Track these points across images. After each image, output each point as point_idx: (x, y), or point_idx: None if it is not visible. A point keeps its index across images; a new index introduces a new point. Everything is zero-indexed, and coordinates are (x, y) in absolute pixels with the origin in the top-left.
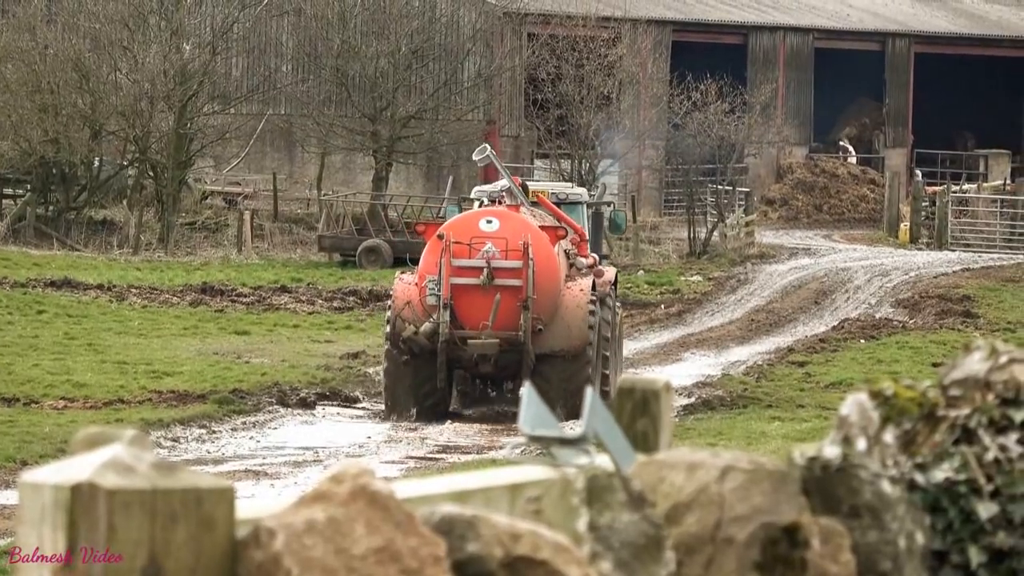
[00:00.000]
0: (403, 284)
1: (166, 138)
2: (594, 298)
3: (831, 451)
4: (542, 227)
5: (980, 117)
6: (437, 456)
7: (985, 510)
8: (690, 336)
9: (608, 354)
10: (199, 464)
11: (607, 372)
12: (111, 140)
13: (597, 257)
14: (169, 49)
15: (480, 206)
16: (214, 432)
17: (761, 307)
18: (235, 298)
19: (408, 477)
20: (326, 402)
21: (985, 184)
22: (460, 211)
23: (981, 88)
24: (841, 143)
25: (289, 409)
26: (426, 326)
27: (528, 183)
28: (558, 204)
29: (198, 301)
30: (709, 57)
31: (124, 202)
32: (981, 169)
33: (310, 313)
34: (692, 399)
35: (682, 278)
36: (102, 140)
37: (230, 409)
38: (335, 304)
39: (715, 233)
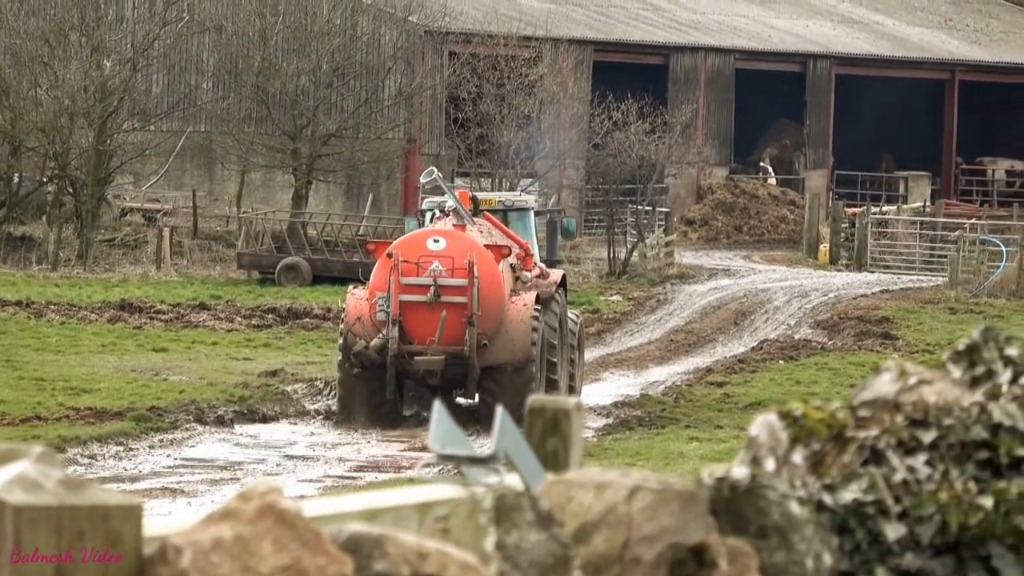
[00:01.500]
0: (355, 300)
1: (86, 154)
2: (538, 311)
3: (740, 472)
4: (487, 246)
5: (901, 139)
6: (354, 475)
7: (893, 531)
8: (609, 356)
9: (556, 360)
10: (116, 482)
11: (555, 378)
12: (30, 156)
13: (544, 268)
14: (90, 65)
15: (432, 217)
16: (131, 450)
17: (680, 327)
18: (153, 315)
19: (322, 496)
20: (244, 420)
21: (905, 206)
22: (420, 225)
23: (902, 110)
24: (762, 164)
25: (207, 427)
26: (376, 341)
27: (477, 193)
28: (506, 211)
29: (116, 318)
30: (630, 77)
31: (43, 218)
32: (901, 191)
33: (229, 331)
34: (610, 419)
35: (601, 298)
36: (21, 156)
37: (147, 426)
38: (254, 322)
39: (635, 253)
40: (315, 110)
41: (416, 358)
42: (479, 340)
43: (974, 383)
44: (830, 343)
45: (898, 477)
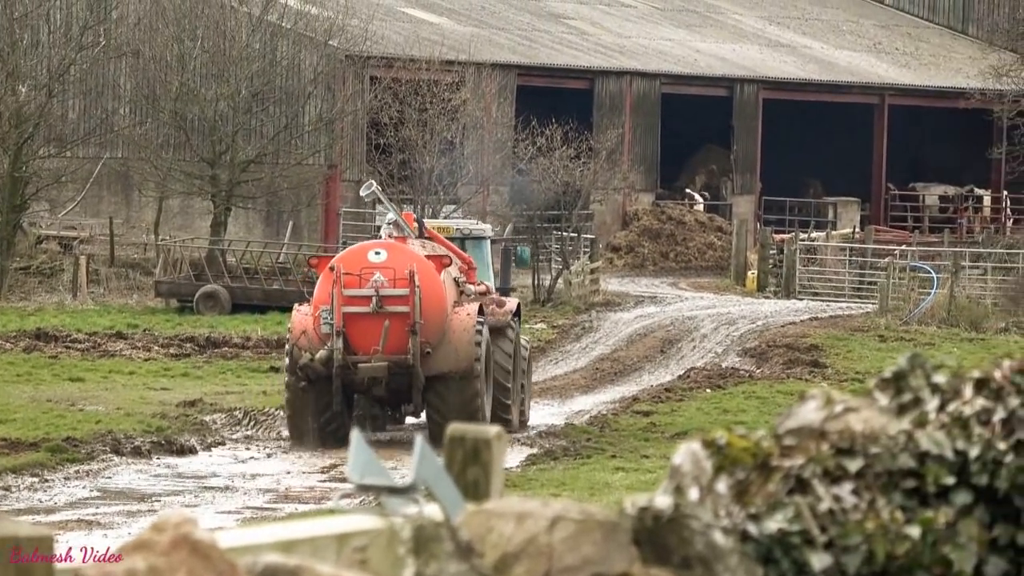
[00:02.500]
0: (300, 315)
1: (1, 181)
2: (481, 321)
3: (663, 501)
4: (428, 256)
5: (829, 164)
6: (274, 506)
7: (819, 561)
8: (533, 385)
9: (508, 384)
10: (30, 513)
11: (507, 402)
12: None
13: (491, 285)
14: (4, 91)
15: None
16: (47, 481)
17: (606, 355)
18: (70, 344)
19: (239, 527)
20: (162, 451)
21: (834, 232)
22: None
23: (830, 135)
24: (688, 191)
25: (123, 457)
26: (321, 353)
27: (426, 220)
28: (463, 239)
29: (32, 347)
30: (555, 102)
31: None
32: (830, 217)
33: (146, 360)
34: (535, 449)
35: (526, 326)
36: None
37: (63, 457)
38: (172, 351)
39: (559, 280)
40: (234, 135)
41: (360, 365)
42: (422, 348)
43: (901, 411)
44: (758, 371)
45: (824, 506)
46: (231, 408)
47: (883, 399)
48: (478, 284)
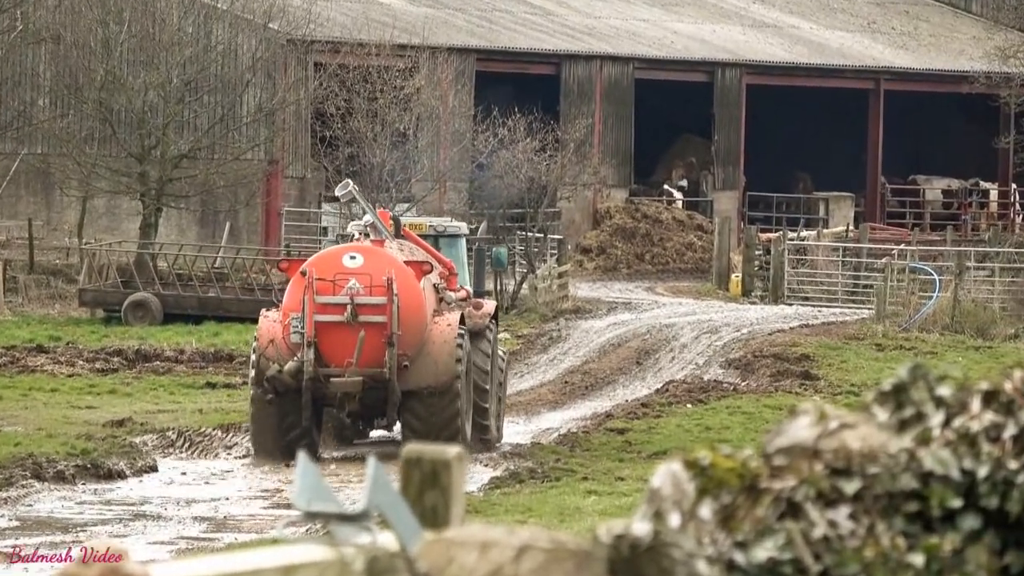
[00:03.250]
0: (267, 322)
1: None
2: (462, 332)
3: (641, 528)
4: (407, 262)
5: (820, 156)
6: (212, 536)
7: None
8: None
9: (487, 387)
10: None
11: (485, 406)
12: None
13: (470, 290)
14: None
15: (353, 241)
16: None
17: (576, 368)
18: None
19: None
20: (87, 476)
21: (825, 230)
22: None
23: (821, 124)
24: (665, 186)
25: (45, 483)
26: (290, 364)
27: (402, 217)
28: (437, 236)
29: None
30: (518, 89)
31: None
32: (821, 214)
33: (70, 376)
34: (499, 471)
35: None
36: None
37: None
38: (98, 366)
39: (524, 286)
40: (165, 128)
41: (333, 380)
42: (400, 362)
43: (902, 427)
44: (743, 384)
45: (818, 532)
46: (163, 428)
47: (882, 414)
48: (458, 290)
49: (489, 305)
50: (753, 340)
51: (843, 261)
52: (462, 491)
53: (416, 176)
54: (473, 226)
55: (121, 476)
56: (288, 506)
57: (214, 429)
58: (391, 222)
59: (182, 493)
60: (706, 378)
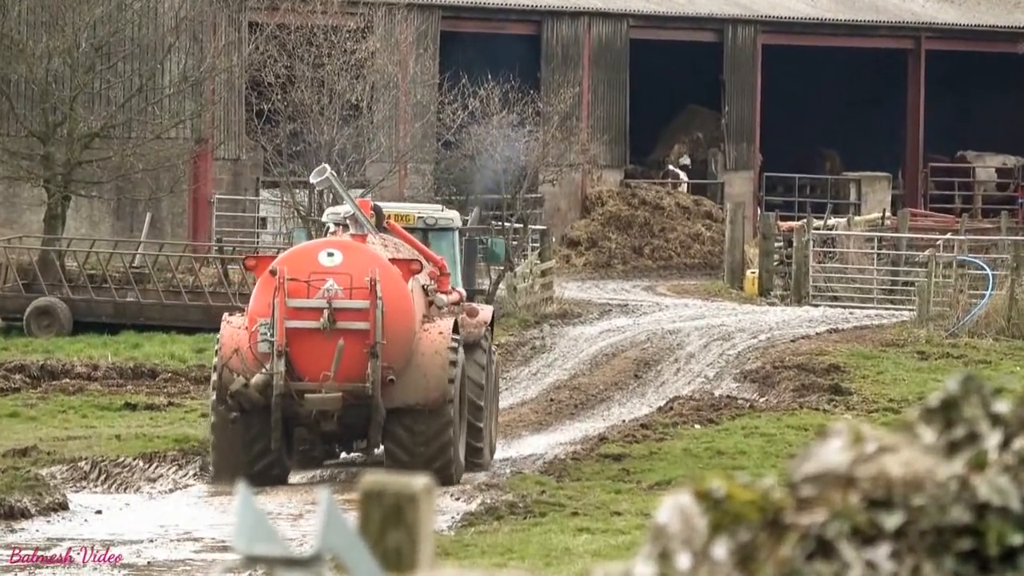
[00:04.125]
0: (231, 329)
1: None
2: (455, 342)
3: (644, 572)
4: (393, 260)
5: (851, 129)
6: None
7: None
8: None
9: (482, 404)
10: None
11: (480, 425)
12: None
13: (464, 292)
14: None
15: (328, 233)
16: None
17: (563, 383)
18: None
19: None
20: None
21: (857, 218)
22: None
23: (851, 91)
24: (671, 167)
25: None
26: (257, 378)
27: (382, 205)
28: (427, 229)
29: None
30: (491, 53)
31: None
32: (852, 198)
33: None
34: (473, 505)
35: None
36: None
37: None
38: None
39: (502, 285)
40: (72, 102)
41: (308, 396)
42: (384, 375)
43: (952, 450)
44: (761, 400)
45: (854, 575)
46: (75, 458)
47: (928, 435)
48: (450, 292)
49: (485, 311)
50: (773, 348)
51: (878, 254)
52: (430, 530)
53: (371, 157)
54: (465, 217)
55: (25, 515)
56: (225, 548)
57: (135, 459)
58: (372, 212)
59: (97, 533)
60: (717, 393)
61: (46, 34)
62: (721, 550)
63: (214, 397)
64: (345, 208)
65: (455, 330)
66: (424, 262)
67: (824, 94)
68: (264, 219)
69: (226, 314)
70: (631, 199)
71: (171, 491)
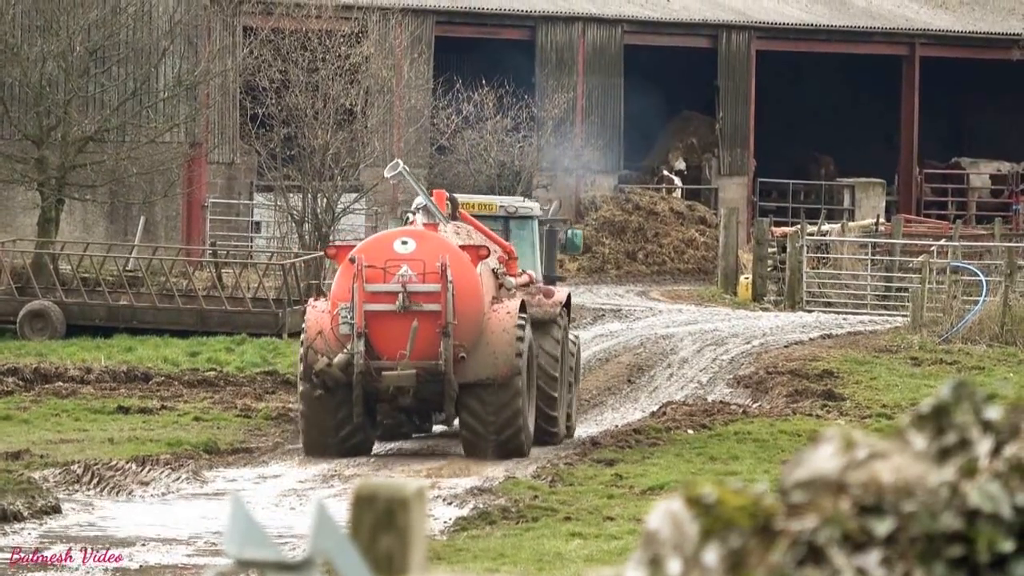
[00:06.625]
0: (315, 312)
1: None
2: (523, 320)
3: None
4: (463, 246)
5: (845, 135)
6: None
7: None
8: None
9: (557, 375)
10: None
11: (554, 414)
12: None
13: (533, 274)
14: None
15: (407, 222)
16: None
17: None
18: None
19: None
20: None
21: (851, 224)
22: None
23: (845, 97)
24: (665, 173)
25: None
26: (340, 357)
27: (457, 196)
28: (508, 218)
29: None
30: (486, 57)
31: None
32: (846, 204)
33: None
34: (466, 510)
35: None
36: None
37: None
38: None
39: None
40: (67, 106)
41: (385, 374)
42: (456, 353)
43: (943, 456)
44: (754, 406)
45: None
46: (67, 461)
47: (920, 441)
48: (520, 274)
49: (561, 293)
50: (766, 354)
51: (872, 260)
52: (422, 534)
53: (365, 161)
54: (545, 207)
55: (18, 518)
56: (217, 552)
57: (127, 462)
58: (448, 202)
59: (91, 537)
60: (710, 399)
61: (40, 38)
62: (712, 556)
63: (301, 380)
64: (417, 200)
65: (522, 309)
66: (492, 247)
67: (818, 100)
68: (258, 223)
69: (311, 299)
70: (625, 204)
71: (164, 494)
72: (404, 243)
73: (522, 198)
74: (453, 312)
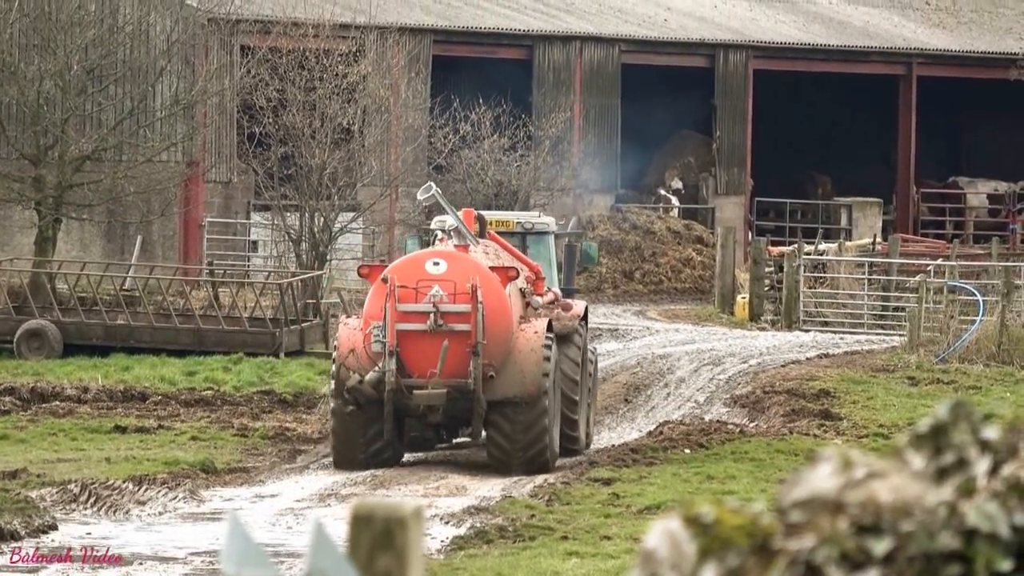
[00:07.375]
0: (348, 330)
1: None
2: (550, 340)
3: None
4: (493, 267)
5: (842, 154)
6: None
7: None
8: (460, 446)
9: (577, 397)
10: None
11: (575, 418)
12: None
13: (558, 292)
14: None
15: (435, 240)
16: None
17: None
18: None
19: None
20: None
21: (848, 243)
22: (424, 247)
23: (842, 117)
24: (662, 192)
25: None
26: (371, 375)
27: (484, 213)
28: (524, 234)
29: None
30: (483, 77)
31: None
32: (843, 223)
33: None
34: (463, 529)
35: None
36: None
37: None
38: None
39: None
40: (64, 125)
41: (416, 392)
42: (485, 371)
43: (941, 476)
44: (751, 425)
45: None
46: (64, 480)
47: (917, 461)
48: (545, 293)
49: (578, 306)
50: (763, 373)
51: (869, 279)
52: (420, 553)
53: (363, 180)
54: (562, 222)
55: (15, 537)
56: (214, 572)
57: (124, 481)
58: (475, 222)
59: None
60: (707, 418)
61: (38, 56)
62: (710, 575)
63: (332, 397)
64: (449, 222)
65: (549, 328)
66: (521, 268)
67: (815, 119)
68: (255, 242)
69: (343, 316)
70: (622, 223)
71: (160, 514)
72: (436, 264)
73: (538, 213)
74: (483, 332)
